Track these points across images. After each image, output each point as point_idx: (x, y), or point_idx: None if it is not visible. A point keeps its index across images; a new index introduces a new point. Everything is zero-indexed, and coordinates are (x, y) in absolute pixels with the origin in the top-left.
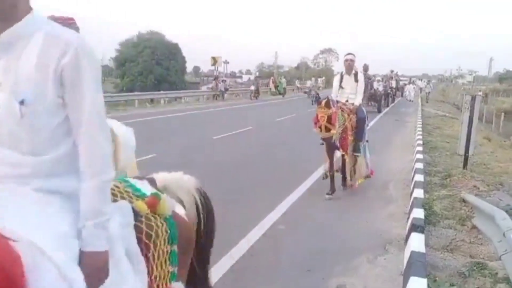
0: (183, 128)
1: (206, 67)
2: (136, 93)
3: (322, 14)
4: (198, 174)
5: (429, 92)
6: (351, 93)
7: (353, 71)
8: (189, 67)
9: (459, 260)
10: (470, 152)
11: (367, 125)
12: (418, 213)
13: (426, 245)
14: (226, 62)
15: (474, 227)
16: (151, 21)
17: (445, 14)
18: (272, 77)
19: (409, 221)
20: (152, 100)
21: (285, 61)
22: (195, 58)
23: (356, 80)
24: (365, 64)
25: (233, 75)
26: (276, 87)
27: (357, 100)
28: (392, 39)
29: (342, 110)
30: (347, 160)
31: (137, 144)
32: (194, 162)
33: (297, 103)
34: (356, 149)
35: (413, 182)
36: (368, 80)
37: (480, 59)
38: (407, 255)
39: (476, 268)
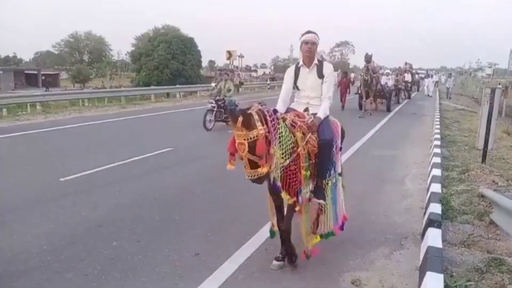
0: (199, 121)
1: (221, 61)
2: (152, 87)
3: (337, 5)
4: (215, 167)
5: (450, 88)
6: (313, 97)
7: (315, 61)
8: (205, 61)
9: (477, 256)
10: (489, 146)
11: (339, 149)
12: (435, 208)
13: (443, 240)
14: (241, 56)
15: (492, 222)
16: (167, 14)
17: (464, 5)
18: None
19: (426, 216)
20: (168, 94)
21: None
22: (211, 52)
23: (321, 76)
24: (367, 54)
25: (248, 69)
26: None
27: (322, 108)
28: (410, 31)
29: (293, 126)
30: (298, 211)
31: (155, 138)
32: (210, 155)
33: None
34: (318, 192)
35: (430, 177)
36: (373, 74)
37: (500, 51)
38: (423, 250)
39: (494, 264)
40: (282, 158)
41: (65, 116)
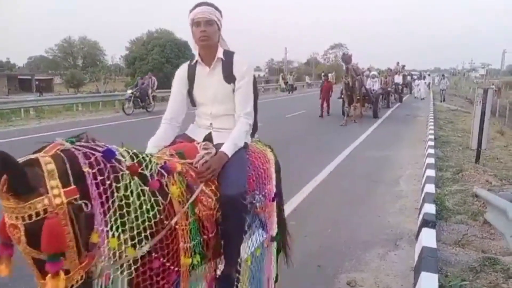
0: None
1: None
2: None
3: (331, 6)
4: None
5: (444, 90)
6: (219, 115)
7: (219, 55)
8: None
9: (471, 255)
10: (483, 146)
11: (272, 199)
12: (430, 208)
13: (438, 240)
14: None
15: (486, 222)
16: (160, 18)
17: (458, 7)
18: (282, 74)
19: (421, 216)
20: (162, 98)
21: (295, 56)
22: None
23: (230, 78)
24: (344, 54)
25: None
26: (286, 83)
27: (233, 136)
28: (404, 33)
29: (162, 175)
30: None
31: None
32: None
33: (306, 99)
34: (224, 285)
35: (424, 177)
36: (356, 76)
37: (493, 52)
38: (418, 250)
39: (488, 263)
40: (132, 248)
41: (59, 121)
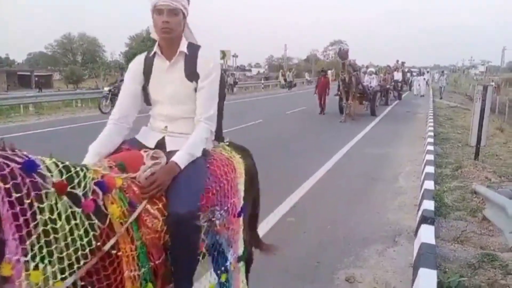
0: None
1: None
2: None
3: (331, 6)
4: None
5: (443, 87)
6: (177, 117)
7: (181, 48)
8: None
9: (470, 252)
10: (482, 143)
11: (237, 214)
12: (429, 204)
13: (436, 236)
14: (235, 56)
15: (485, 218)
16: None
17: (456, 3)
18: (281, 70)
19: (419, 212)
20: None
21: (295, 53)
22: (204, 51)
23: (193, 76)
24: (341, 50)
25: (242, 68)
26: (285, 80)
27: (190, 143)
28: (403, 29)
29: (96, 193)
30: None
31: None
32: None
33: (306, 96)
34: None
35: (423, 174)
36: (354, 72)
37: (493, 48)
38: (417, 246)
39: (487, 259)
40: (62, 282)
41: (58, 117)
